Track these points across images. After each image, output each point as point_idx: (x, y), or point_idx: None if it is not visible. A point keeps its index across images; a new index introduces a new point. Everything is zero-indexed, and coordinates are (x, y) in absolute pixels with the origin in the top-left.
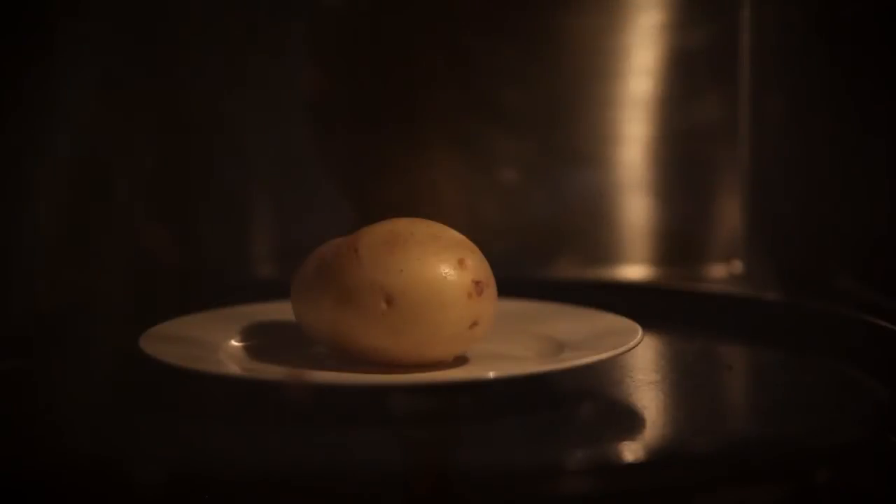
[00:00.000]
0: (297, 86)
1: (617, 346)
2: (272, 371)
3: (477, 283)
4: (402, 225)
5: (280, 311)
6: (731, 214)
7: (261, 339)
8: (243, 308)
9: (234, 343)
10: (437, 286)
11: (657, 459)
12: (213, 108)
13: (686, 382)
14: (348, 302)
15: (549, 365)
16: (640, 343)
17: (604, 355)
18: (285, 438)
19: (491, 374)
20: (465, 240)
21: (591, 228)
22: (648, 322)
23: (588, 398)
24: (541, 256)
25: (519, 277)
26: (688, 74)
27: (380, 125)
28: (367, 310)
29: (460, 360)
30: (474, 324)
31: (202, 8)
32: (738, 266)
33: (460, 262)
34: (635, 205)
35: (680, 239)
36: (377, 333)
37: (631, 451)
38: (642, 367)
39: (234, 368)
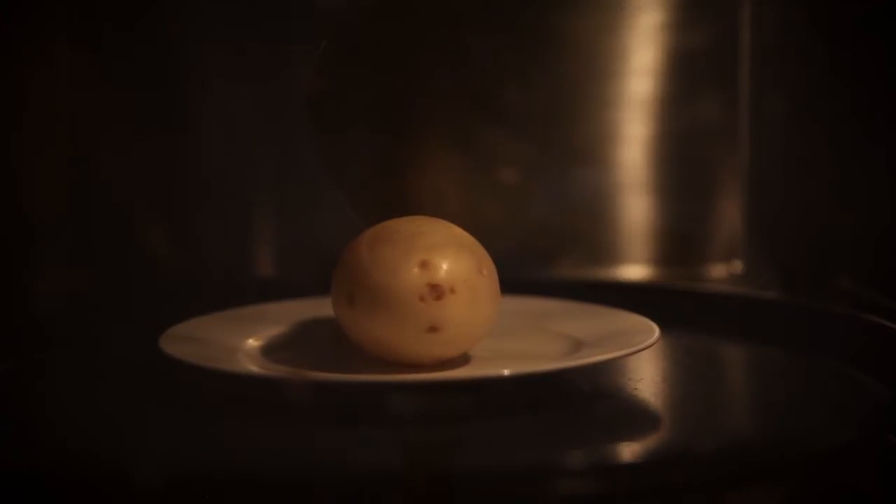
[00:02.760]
0: (297, 86)
1: (633, 344)
2: (279, 370)
3: (434, 286)
4: (401, 223)
5: (294, 310)
6: (731, 214)
7: (275, 340)
8: (259, 308)
9: (251, 343)
10: (386, 287)
11: (657, 459)
12: (214, 107)
13: (686, 382)
14: (336, 297)
15: (562, 363)
16: (656, 341)
17: (616, 353)
18: (294, 438)
19: (505, 372)
20: (457, 241)
21: (591, 228)
22: None
23: (587, 398)
24: (541, 256)
25: (519, 277)
26: (688, 74)
27: (380, 125)
28: (341, 307)
29: (472, 358)
30: (433, 328)
31: (203, 7)
32: (738, 266)
33: (422, 264)
34: (635, 205)
35: (680, 239)
36: (349, 330)
37: (630, 451)
38: (642, 366)
39: (234, 366)
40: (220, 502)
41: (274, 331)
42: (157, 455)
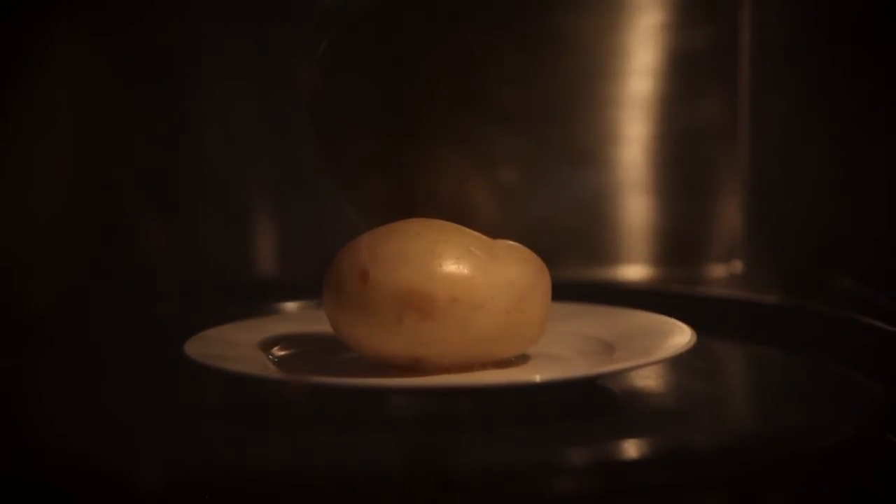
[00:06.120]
0: (297, 86)
1: (669, 345)
2: (281, 372)
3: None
4: (402, 222)
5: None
6: (731, 214)
7: (282, 342)
8: (271, 316)
9: (257, 346)
10: None
11: (657, 459)
12: (215, 106)
13: (685, 382)
14: None
15: (594, 369)
16: (692, 344)
17: (663, 355)
18: (295, 439)
19: (538, 378)
20: (373, 244)
21: (591, 228)
22: None
23: (586, 398)
24: (540, 256)
25: None
26: (688, 74)
27: (380, 125)
28: None
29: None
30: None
31: (203, 8)
32: (738, 266)
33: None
34: (635, 205)
35: (680, 239)
36: None
37: (630, 450)
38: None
39: (238, 366)
40: (220, 502)
41: (282, 334)
42: (157, 455)
